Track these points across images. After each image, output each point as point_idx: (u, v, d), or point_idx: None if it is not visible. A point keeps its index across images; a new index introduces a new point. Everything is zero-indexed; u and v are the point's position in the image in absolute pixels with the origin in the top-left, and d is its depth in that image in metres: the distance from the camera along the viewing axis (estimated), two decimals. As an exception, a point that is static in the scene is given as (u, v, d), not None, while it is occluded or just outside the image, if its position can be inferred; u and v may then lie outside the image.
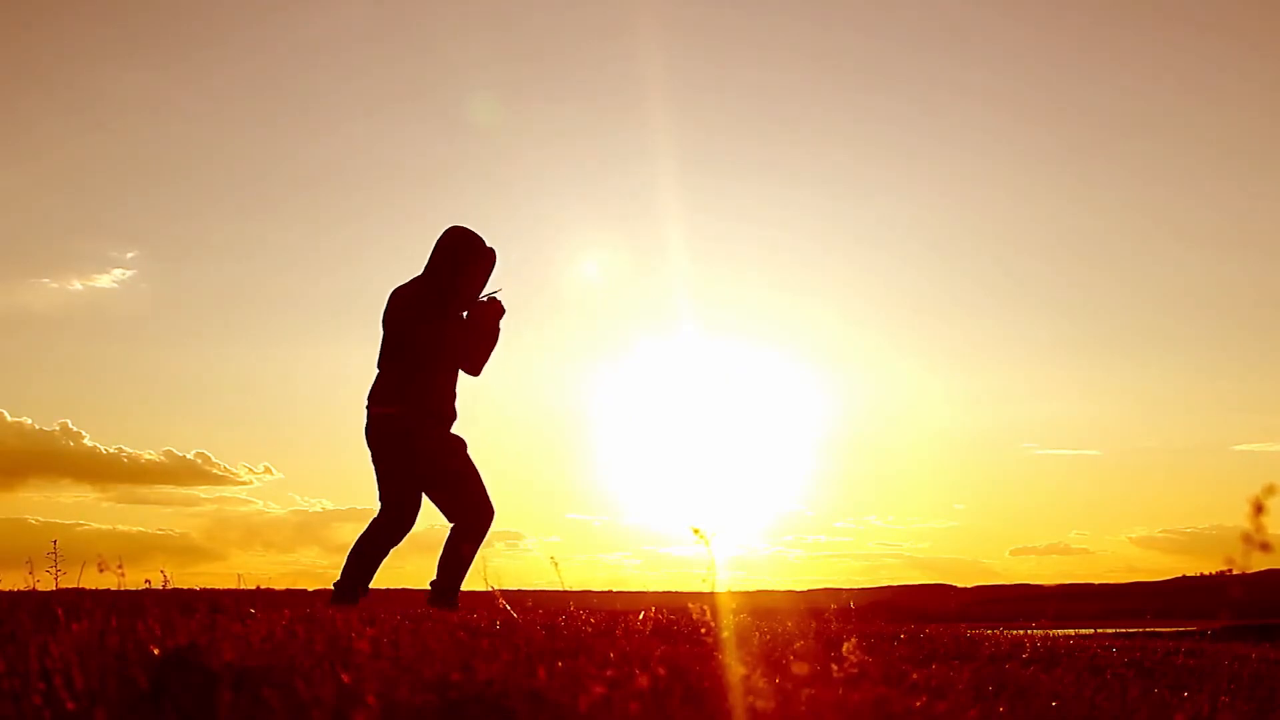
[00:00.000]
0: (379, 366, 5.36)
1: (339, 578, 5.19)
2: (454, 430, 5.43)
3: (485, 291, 5.46)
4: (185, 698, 1.86)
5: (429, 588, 5.24)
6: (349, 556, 5.19)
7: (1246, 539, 2.13)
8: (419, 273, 5.44)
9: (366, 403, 5.34)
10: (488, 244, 5.44)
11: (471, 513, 5.29)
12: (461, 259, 5.36)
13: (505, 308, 5.46)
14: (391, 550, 5.25)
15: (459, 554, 5.22)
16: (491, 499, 5.36)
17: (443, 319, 5.30)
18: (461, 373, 5.48)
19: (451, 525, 5.31)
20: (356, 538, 5.22)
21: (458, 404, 5.46)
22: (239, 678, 1.92)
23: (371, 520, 5.23)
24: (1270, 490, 2.09)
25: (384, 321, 5.35)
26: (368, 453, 5.31)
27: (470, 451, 5.44)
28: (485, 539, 5.33)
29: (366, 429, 5.31)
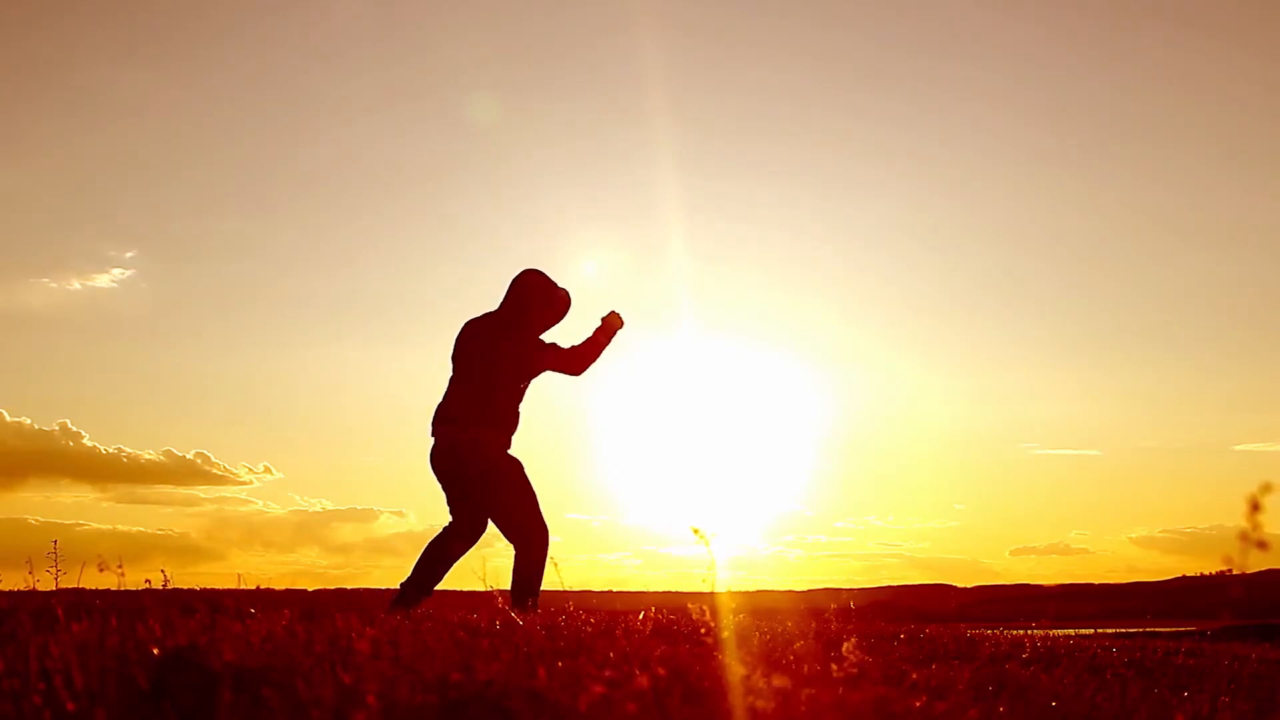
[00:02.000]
0: (446, 394, 5.63)
1: (408, 577, 5.40)
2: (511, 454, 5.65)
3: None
4: (185, 698, 1.86)
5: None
6: (420, 560, 5.42)
7: (1243, 537, 2.13)
8: (493, 309, 5.72)
9: (431, 426, 5.59)
10: (561, 288, 5.75)
11: (526, 536, 5.50)
12: (534, 300, 5.69)
13: (623, 321, 5.81)
14: (460, 557, 5.47)
15: (523, 582, 5.42)
16: (545, 522, 5.54)
17: (510, 353, 5.56)
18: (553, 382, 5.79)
19: (513, 551, 5.52)
20: (428, 542, 5.46)
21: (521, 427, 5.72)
22: (239, 678, 1.92)
23: (443, 528, 5.49)
24: (1267, 489, 2.09)
25: (454, 352, 5.66)
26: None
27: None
28: (545, 566, 5.51)
29: (430, 453, 5.56)
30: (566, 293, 5.77)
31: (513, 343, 5.57)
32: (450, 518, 5.50)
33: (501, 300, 5.72)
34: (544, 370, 5.69)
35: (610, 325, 5.77)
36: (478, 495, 5.47)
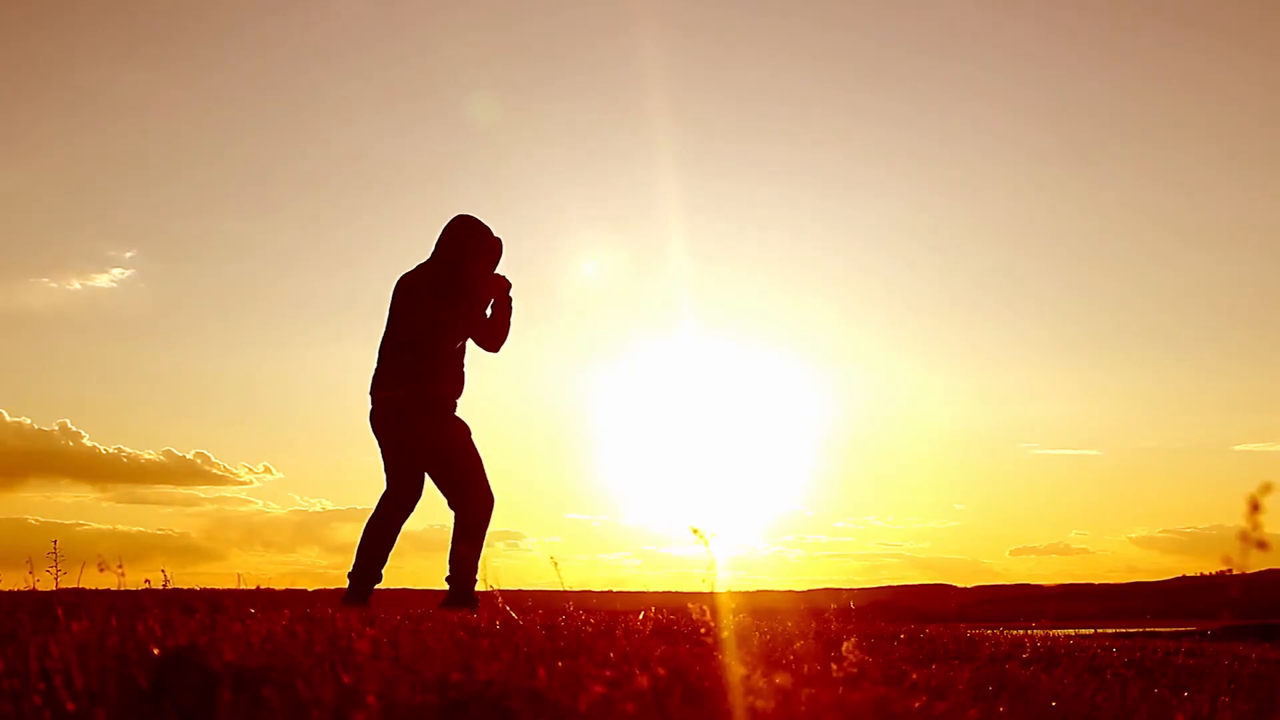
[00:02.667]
0: (380, 353, 5.45)
1: (353, 564, 5.27)
2: (459, 415, 5.51)
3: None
4: (185, 698, 1.86)
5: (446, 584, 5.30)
6: (361, 541, 5.30)
7: (1243, 537, 2.13)
8: (425, 260, 5.53)
9: (370, 389, 5.43)
10: (495, 234, 5.55)
11: (469, 500, 5.36)
12: (467, 247, 5.47)
13: (510, 281, 5.61)
14: (400, 530, 5.35)
15: (459, 553, 5.29)
16: (491, 487, 5.41)
17: (447, 304, 5.39)
18: (483, 353, 5.62)
19: (454, 516, 5.38)
20: (366, 522, 5.34)
21: (467, 389, 5.55)
22: (239, 678, 1.92)
23: (379, 501, 5.37)
24: (1267, 489, 2.10)
25: (390, 308, 5.46)
26: (373, 442, 5.42)
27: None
28: (486, 532, 5.39)
29: (370, 415, 5.41)
30: (499, 240, 5.54)
31: (445, 298, 5.36)
32: (385, 485, 5.35)
33: (433, 250, 5.50)
34: (469, 334, 5.48)
35: (501, 288, 5.55)
36: (420, 456, 5.31)
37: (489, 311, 5.59)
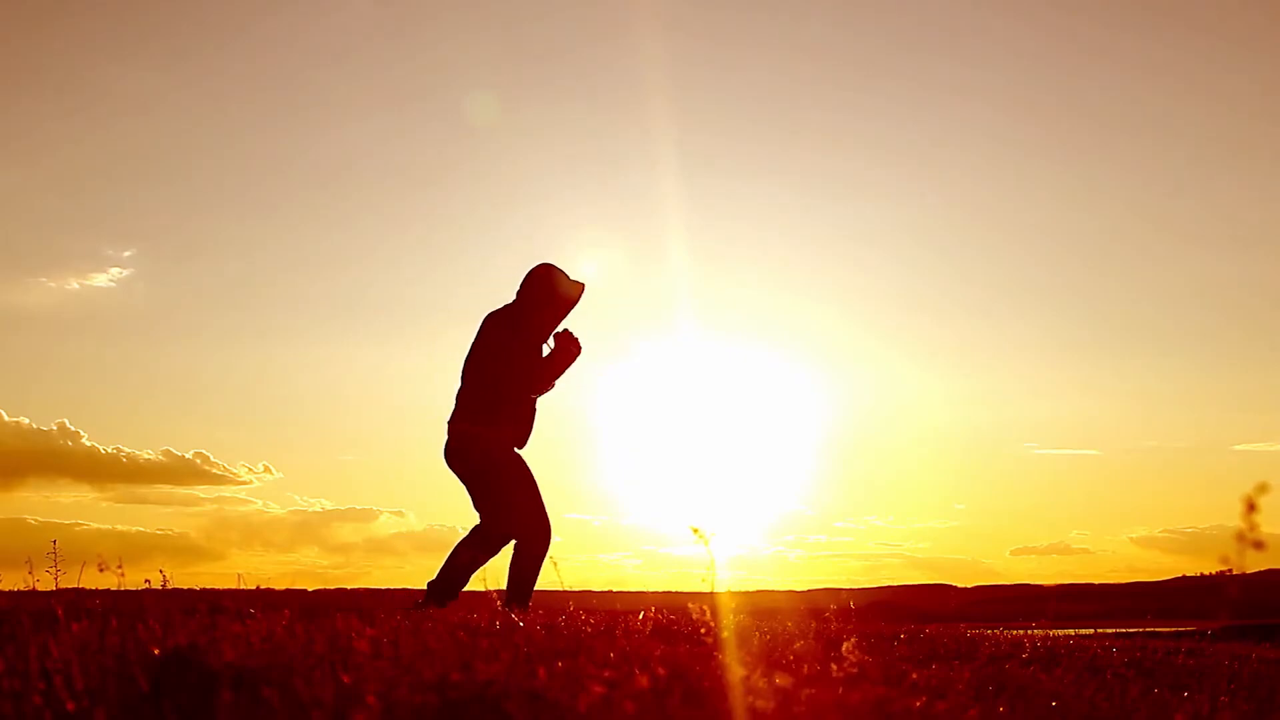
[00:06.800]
0: (461, 385, 5.59)
1: (435, 578, 5.36)
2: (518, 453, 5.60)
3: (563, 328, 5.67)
4: (185, 698, 1.86)
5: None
6: (449, 560, 5.38)
7: (1240, 537, 2.14)
8: (510, 301, 5.66)
9: (448, 421, 5.56)
10: (573, 280, 5.65)
11: (521, 531, 5.43)
12: (546, 295, 5.60)
13: (581, 347, 5.64)
14: (488, 560, 5.42)
15: (517, 575, 5.37)
16: (549, 520, 5.47)
17: (520, 345, 5.53)
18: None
19: (514, 543, 5.45)
20: (458, 542, 5.42)
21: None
22: (239, 678, 1.93)
23: (473, 528, 5.44)
24: (1262, 488, 2.10)
25: (473, 342, 5.60)
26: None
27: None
28: (543, 561, 5.45)
29: (445, 446, 5.54)
30: (577, 288, 5.63)
31: (504, 340, 5.51)
32: (478, 516, 5.46)
33: (517, 292, 5.67)
34: (516, 377, 5.55)
35: (566, 351, 5.60)
36: (476, 491, 5.45)
37: (546, 351, 5.64)
